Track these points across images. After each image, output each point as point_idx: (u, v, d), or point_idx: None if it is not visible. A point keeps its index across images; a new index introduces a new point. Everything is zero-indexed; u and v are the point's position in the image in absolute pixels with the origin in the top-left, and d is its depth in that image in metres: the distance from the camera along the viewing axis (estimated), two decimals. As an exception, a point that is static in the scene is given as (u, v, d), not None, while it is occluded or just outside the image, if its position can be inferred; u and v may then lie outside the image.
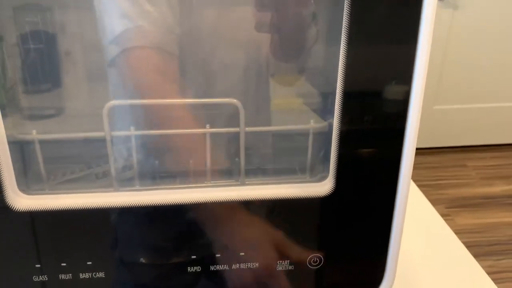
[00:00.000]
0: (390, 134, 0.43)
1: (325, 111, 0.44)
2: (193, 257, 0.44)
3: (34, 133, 0.42)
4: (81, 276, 0.43)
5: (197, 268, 0.44)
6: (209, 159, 0.44)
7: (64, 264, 0.42)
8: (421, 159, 2.41)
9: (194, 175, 0.46)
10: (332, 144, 0.42)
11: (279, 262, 0.45)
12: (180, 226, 0.44)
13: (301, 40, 0.46)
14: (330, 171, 0.43)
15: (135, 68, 0.46)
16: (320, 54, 0.46)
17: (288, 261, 0.45)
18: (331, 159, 0.43)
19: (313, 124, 0.45)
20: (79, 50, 0.46)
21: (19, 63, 0.42)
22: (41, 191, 0.43)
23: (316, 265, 0.46)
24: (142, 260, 0.43)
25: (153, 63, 0.46)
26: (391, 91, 0.41)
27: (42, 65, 0.44)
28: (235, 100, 0.42)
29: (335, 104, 0.41)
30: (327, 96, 0.43)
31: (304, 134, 0.46)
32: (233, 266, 0.44)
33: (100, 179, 0.45)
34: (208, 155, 0.44)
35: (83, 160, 0.46)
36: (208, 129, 0.44)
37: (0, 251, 0.41)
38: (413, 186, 0.83)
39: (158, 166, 0.47)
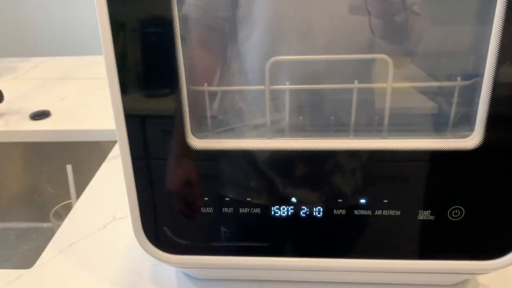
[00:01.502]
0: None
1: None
2: (339, 200, 0.48)
3: (205, 85, 0.49)
4: (241, 210, 0.50)
5: (342, 212, 0.49)
6: (354, 113, 0.48)
7: (227, 199, 0.49)
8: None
9: (340, 128, 0.50)
10: (480, 102, 0.43)
11: (421, 212, 0.47)
12: (327, 172, 0.48)
13: (407, 22, 0.47)
14: (476, 128, 0.44)
15: None
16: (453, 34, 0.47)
17: (429, 211, 0.47)
18: (477, 116, 0.44)
19: (460, 81, 0.46)
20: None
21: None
22: (208, 136, 0.50)
23: (457, 217, 0.47)
24: (294, 199, 0.49)
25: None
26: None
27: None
28: (385, 56, 0.45)
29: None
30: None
31: (449, 92, 0.47)
32: (376, 212, 0.48)
33: (256, 129, 0.51)
34: (354, 109, 0.48)
35: (243, 112, 0.52)
36: (357, 85, 0.47)
37: (179, 183, 0.50)
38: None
39: (306, 119, 0.51)
